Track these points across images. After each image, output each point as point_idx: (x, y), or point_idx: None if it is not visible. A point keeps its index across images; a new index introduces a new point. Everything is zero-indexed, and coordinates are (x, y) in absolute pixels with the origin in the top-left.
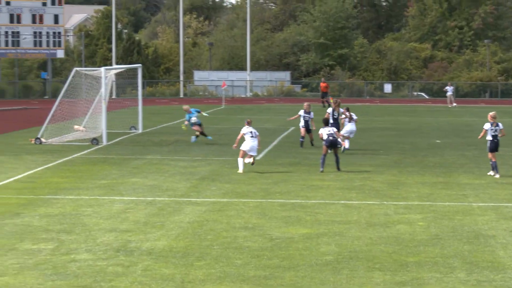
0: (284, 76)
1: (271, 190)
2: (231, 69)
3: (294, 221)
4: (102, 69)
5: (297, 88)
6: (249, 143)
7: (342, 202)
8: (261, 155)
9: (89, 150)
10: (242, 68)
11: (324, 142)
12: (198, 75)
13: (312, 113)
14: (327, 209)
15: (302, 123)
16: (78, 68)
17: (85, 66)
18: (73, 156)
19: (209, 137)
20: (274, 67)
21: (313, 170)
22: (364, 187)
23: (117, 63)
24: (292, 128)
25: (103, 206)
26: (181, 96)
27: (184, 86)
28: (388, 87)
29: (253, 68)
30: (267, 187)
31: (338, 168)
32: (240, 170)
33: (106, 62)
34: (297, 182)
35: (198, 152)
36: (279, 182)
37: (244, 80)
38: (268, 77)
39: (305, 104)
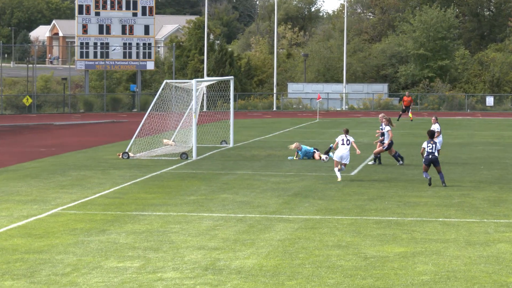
0: (382, 88)
1: (366, 207)
2: (326, 81)
3: (390, 239)
4: (193, 81)
5: (395, 101)
6: (340, 151)
7: (440, 219)
8: (356, 170)
9: (178, 165)
10: (338, 80)
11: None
12: (292, 87)
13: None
14: (424, 227)
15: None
16: (168, 81)
17: (176, 78)
18: (162, 171)
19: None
20: (371, 79)
21: (410, 186)
22: (463, 204)
23: (208, 75)
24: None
25: (191, 223)
26: (274, 109)
27: (278, 98)
28: (490, 100)
29: (349, 80)
30: (362, 204)
31: (443, 183)
32: (339, 178)
33: (197, 74)
34: (393, 199)
35: (290, 167)
36: (375, 198)
37: (340, 93)
38: (364, 89)
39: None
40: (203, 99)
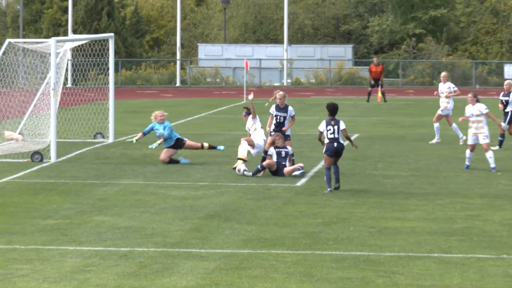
0: (343, 52)
1: (321, 236)
2: (258, 41)
3: (358, 287)
4: (52, 40)
5: (364, 72)
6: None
7: (436, 255)
8: (304, 180)
9: (27, 171)
10: (276, 40)
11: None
12: (206, 50)
13: None
14: (410, 266)
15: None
16: (12, 40)
17: (25, 36)
18: (1, 180)
19: (220, 147)
20: (327, 39)
21: (389, 203)
22: (471, 231)
23: (75, 32)
24: (356, 135)
25: (48, 261)
26: (178, 84)
27: (183, 68)
28: (511, 70)
29: (294, 41)
30: (314, 231)
31: (337, 182)
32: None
33: (58, 30)
34: (362, 223)
35: (204, 174)
36: (334, 222)
37: (279, 59)
38: (317, 54)
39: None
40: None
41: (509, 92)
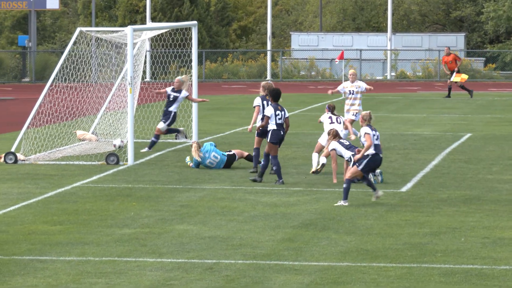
0: (455, 42)
1: (428, 248)
2: (358, 29)
3: None
4: (128, 29)
5: (478, 64)
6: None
7: None
8: (409, 184)
9: (102, 175)
10: (379, 29)
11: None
12: (300, 40)
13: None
14: None
15: None
16: (84, 28)
17: (98, 24)
18: (73, 185)
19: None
20: (437, 27)
21: (505, 211)
22: None
23: (153, 20)
24: (468, 135)
25: (125, 274)
26: (269, 77)
27: (274, 60)
28: None
29: (399, 29)
30: (420, 242)
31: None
32: (313, 167)
33: (135, 17)
34: (475, 233)
35: (297, 178)
36: (443, 232)
37: (382, 49)
38: (425, 44)
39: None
40: (145, 62)
41: None
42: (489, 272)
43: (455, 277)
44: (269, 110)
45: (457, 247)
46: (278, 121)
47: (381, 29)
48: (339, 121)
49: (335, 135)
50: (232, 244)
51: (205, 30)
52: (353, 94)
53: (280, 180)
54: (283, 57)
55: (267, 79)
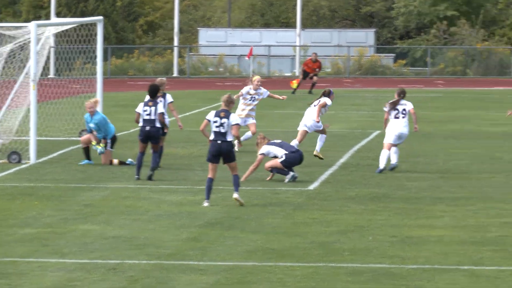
0: (364, 38)
1: (335, 246)
2: (267, 25)
3: None
4: (32, 24)
5: (388, 60)
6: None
7: (465, 267)
8: (317, 182)
9: (3, 174)
10: (288, 24)
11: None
12: (207, 36)
13: None
14: (436, 280)
15: None
16: None
17: (1, 20)
18: None
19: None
20: (346, 22)
21: (413, 209)
22: (506, 241)
23: (58, 15)
24: (377, 132)
25: (27, 275)
26: (175, 74)
27: (181, 56)
28: None
29: (308, 24)
30: (327, 240)
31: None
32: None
33: (40, 12)
34: (383, 231)
35: (203, 177)
36: (351, 231)
37: (291, 45)
38: (334, 39)
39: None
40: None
41: None
42: (397, 271)
43: (362, 276)
44: (139, 107)
45: (365, 246)
46: (145, 117)
47: (290, 24)
48: (315, 105)
49: (263, 138)
50: (136, 244)
51: (111, 25)
52: (253, 100)
53: (136, 177)
54: (190, 53)
55: (173, 75)
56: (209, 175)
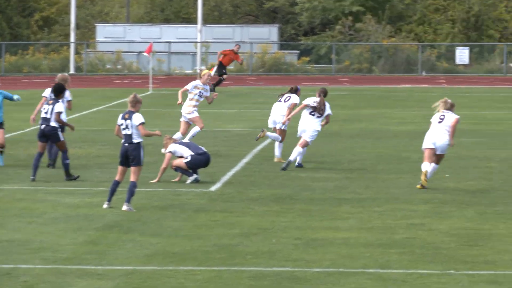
0: (268, 34)
1: (238, 249)
2: (167, 21)
3: None
4: None
5: (292, 57)
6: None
7: (371, 270)
8: (219, 183)
9: None
10: (189, 20)
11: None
12: (105, 32)
13: None
14: (341, 284)
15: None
16: None
17: None
18: None
19: None
20: (249, 18)
21: (319, 211)
22: (413, 243)
23: None
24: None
25: None
26: (71, 71)
27: (78, 53)
28: (463, 55)
29: (209, 20)
30: (230, 243)
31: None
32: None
33: None
34: (287, 234)
35: (102, 178)
36: (254, 233)
37: (192, 42)
38: (237, 36)
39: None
40: None
41: None
42: (301, 275)
43: (265, 280)
44: (41, 106)
45: (268, 249)
46: (43, 115)
47: (191, 20)
48: (285, 100)
49: (169, 138)
50: (31, 247)
51: (5, 21)
52: (200, 96)
53: (32, 177)
54: (87, 50)
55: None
56: (116, 177)
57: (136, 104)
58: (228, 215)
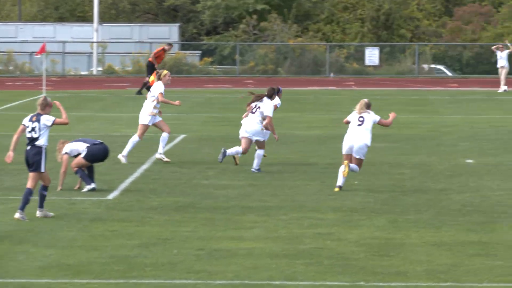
0: (168, 33)
1: (137, 261)
2: (61, 19)
3: None
4: None
5: (193, 58)
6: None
7: (277, 282)
8: (116, 192)
9: None
10: (84, 19)
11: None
12: None
13: None
14: None
15: None
16: None
17: None
18: None
19: None
20: (148, 17)
21: (223, 220)
22: (320, 253)
23: None
24: (182, 136)
25: None
26: None
27: None
28: (373, 55)
29: (106, 19)
30: (128, 254)
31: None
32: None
33: None
34: (189, 244)
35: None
36: (153, 244)
37: (88, 41)
38: (135, 35)
39: None
40: None
41: None
42: (204, 287)
43: None
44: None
45: (169, 260)
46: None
47: (87, 19)
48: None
49: (63, 143)
50: None
51: None
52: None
53: None
54: None
55: None
56: (27, 185)
57: (46, 107)
58: (126, 225)
